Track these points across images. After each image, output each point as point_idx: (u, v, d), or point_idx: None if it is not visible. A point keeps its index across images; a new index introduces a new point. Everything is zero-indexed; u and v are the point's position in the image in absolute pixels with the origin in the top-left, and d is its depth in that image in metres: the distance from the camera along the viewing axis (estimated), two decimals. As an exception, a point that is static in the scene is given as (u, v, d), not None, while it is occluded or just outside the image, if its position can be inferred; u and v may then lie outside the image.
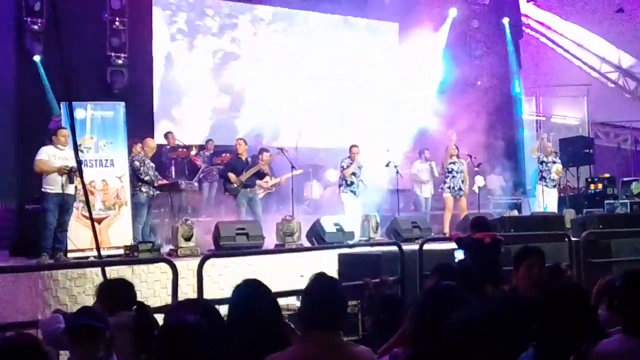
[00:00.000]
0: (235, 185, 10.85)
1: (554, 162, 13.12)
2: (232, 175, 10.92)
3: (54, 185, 8.65)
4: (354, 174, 11.52)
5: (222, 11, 15.02)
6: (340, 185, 11.73)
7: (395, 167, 12.06)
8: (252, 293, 3.18)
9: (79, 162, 5.89)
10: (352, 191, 11.52)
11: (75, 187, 8.87)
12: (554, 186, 13.13)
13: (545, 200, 12.85)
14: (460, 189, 12.18)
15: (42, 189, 8.76)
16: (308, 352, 2.78)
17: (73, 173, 8.59)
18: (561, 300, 2.91)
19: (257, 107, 15.17)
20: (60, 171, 8.62)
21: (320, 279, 3.06)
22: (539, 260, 4.33)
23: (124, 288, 4.10)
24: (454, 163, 12.22)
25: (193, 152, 12.86)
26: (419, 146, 13.79)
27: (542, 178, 12.98)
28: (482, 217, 7.06)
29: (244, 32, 15.20)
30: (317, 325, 2.82)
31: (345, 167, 11.54)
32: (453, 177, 12.18)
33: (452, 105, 15.89)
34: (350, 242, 9.65)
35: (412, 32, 16.17)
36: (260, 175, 11.23)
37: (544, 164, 12.96)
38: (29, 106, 12.01)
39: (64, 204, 8.74)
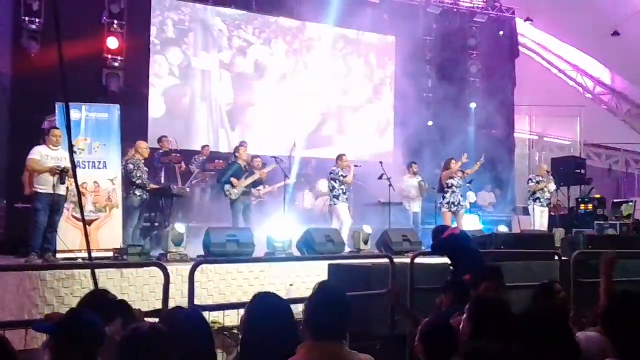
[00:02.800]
0: (237, 190, 10.86)
1: (544, 181, 13.32)
2: (235, 180, 10.89)
3: (45, 185, 8.61)
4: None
5: (220, 19, 15.04)
6: (337, 197, 11.56)
7: (388, 179, 12.06)
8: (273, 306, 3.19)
9: (73, 163, 5.85)
10: (347, 199, 11.67)
11: (67, 188, 8.85)
12: (547, 205, 13.27)
13: (537, 218, 12.97)
14: (460, 203, 12.24)
15: (33, 189, 8.72)
16: None
17: (65, 174, 8.57)
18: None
19: (251, 115, 15.20)
20: (52, 171, 8.58)
21: (325, 287, 3.06)
22: (497, 283, 4.23)
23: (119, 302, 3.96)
24: (453, 178, 12.25)
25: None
26: (411, 160, 13.82)
27: (537, 199, 13.11)
28: (439, 225, 7.17)
29: (240, 41, 15.23)
30: (322, 335, 2.80)
31: (345, 175, 11.56)
32: (453, 192, 12.20)
33: (446, 121, 15.99)
34: (342, 254, 9.63)
35: (408, 46, 16.27)
36: (256, 184, 11.25)
37: (540, 184, 13.11)
38: (24, 105, 11.97)
39: (55, 204, 8.69)
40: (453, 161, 12.38)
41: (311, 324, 2.85)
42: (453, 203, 12.12)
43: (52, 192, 8.58)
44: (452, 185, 12.21)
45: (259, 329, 3.04)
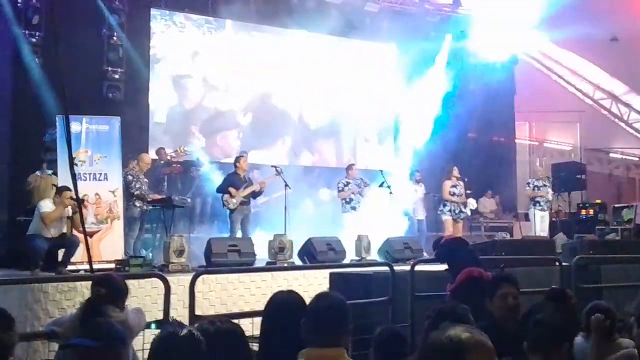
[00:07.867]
0: (235, 199, 10.84)
1: (544, 186, 13.35)
2: (233, 190, 10.86)
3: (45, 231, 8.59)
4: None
5: (219, 28, 15.08)
6: (342, 206, 12.09)
7: (389, 187, 12.10)
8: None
9: (74, 176, 5.88)
10: (352, 208, 11.98)
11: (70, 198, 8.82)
12: (549, 208, 13.32)
13: (537, 223, 13.01)
14: (461, 211, 12.30)
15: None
16: None
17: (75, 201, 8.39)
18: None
19: (252, 123, 15.23)
20: (65, 205, 8.53)
21: (325, 294, 3.11)
22: (513, 289, 4.19)
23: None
24: (455, 186, 12.32)
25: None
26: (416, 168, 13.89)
27: (536, 203, 13.14)
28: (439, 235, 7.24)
29: (241, 49, 15.23)
30: (321, 341, 2.83)
31: (341, 189, 11.96)
32: (454, 200, 12.28)
33: (448, 128, 15.99)
34: (343, 262, 9.64)
35: (410, 54, 16.29)
36: (255, 195, 11.23)
37: (536, 189, 13.17)
38: (25, 118, 12.01)
39: (55, 246, 8.66)
40: (455, 169, 12.48)
41: (310, 331, 2.88)
42: (454, 211, 12.20)
43: (51, 236, 8.58)
44: (454, 193, 12.29)
45: (279, 321, 3.17)
